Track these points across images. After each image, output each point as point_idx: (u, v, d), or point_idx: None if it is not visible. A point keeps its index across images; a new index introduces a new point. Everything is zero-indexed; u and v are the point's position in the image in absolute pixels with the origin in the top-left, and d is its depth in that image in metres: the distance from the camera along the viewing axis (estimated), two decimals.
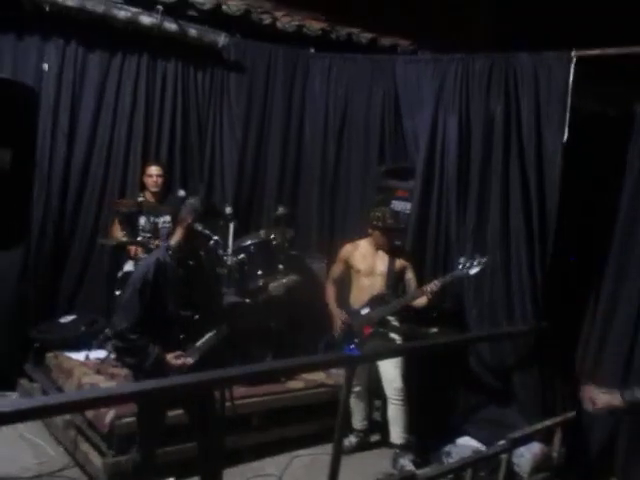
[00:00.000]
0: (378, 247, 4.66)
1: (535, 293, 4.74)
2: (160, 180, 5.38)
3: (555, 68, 4.68)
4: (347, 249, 4.82)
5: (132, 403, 3.69)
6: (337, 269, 4.87)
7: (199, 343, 3.45)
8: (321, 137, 6.28)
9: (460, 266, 4.40)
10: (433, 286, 4.36)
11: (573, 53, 4.57)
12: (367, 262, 4.69)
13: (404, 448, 4.59)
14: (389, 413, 4.63)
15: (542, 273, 4.73)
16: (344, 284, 4.87)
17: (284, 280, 3.81)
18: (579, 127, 4.61)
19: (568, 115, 4.54)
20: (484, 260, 4.35)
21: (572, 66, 4.55)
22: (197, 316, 3.45)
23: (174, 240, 3.47)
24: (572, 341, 4.74)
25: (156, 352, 3.28)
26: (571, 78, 4.56)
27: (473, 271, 4.36)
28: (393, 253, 4.67)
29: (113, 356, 4.59)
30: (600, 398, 3.11)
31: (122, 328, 3.31)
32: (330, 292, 4.86)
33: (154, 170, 5.39)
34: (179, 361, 3.35)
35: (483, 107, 5.02)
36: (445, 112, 5.23)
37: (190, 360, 3.38)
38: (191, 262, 3.46)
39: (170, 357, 3.34)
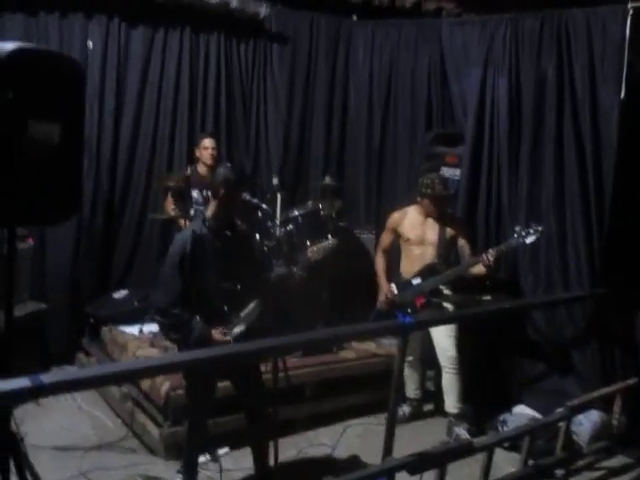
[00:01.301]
0: (428, 215, 4.54)
1: (592, 259, 4.60)
2: (215, 152, 5.36)
3: (610, 23, 4.48)
4: (395, 217, 4.72)
5: None
6: (386, 238, 4.79)
7: (243, 314, 3.42)
8: (366, 106, 6.20)
9: (515, 235, 4.26)
10: (489, 255, 4.23)
11: (630, 5, 4.36)
12: (417, 231, 4.59)
13: (459, 417, 4.54)
14: (443, 382, 4.57)
15: (599, 238, 4.59)
16: (395, 254, 4.79)
17: (322, 244, 3.74)
18: (635, 88, 4.41)
19: (625, 72, 4.34)
20: (540, 229, 4.20)
21: (629, 19, 4.34)
22: (239, 287, 3.42)
23: (210, 211, 3.44)
24: (632, 307, 4.58)
25: (200, 326, 3.27)
26: (628, 32, 4.35)
27: (529, 240, 4.22)
28: (444, 221, 4.53)
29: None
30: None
31: (164, 304, 3.31)
32: (379, 262, 4.79)
33: (209, 142, 5.35)
34: (223, 337, 3.32)
35: (534, 68, 4.85)
36: (494, 75, 5.09)
37: (230, 339, 3.34)
38: (228, 233, 3.42)
39: (215, 332, 3.32)
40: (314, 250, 3.74)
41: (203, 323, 3.28)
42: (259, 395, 3.55)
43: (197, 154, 5.40)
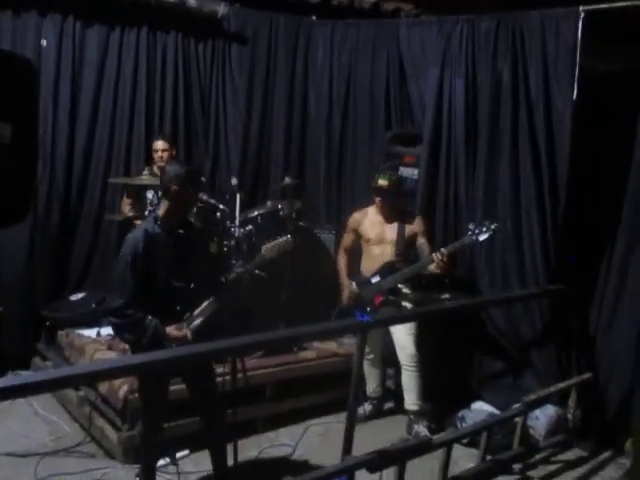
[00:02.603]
0: (381, 211, 4.59)
1: (547, 257, 4.69)
2: (166, 154, 5.29)
3: (563, 25, 4.58)
4: (355, 218, 4.76)
5: None
6: (347, 238, 4.82)
7: (196, 312, 3.39)
8: (326, 105, 6.21)
9: (469, 232, 4.30)
10: (440, 254, 4.27)
11: (581, 8, 4.46)
12: (376, 230, 4.62)
13: (418, 415, 4.58)
14: (403, 380, 4.60)
15: (554, 237, 4.68)
16: (356, 253, 4.81)
17: (276, 241, 3.74)
18: (589, 88, 4.51)
19: (577, 73, 4.44)
20: (493, 226, 4.25)
21: (580, 22, 4.44)
22: (192, 286, 3.38)
23: (162, 210, 3.38)
24: (586, 304, 4.69)
25: (154, 325, 3.23)
26: (579, 35, 4.45)
27: (482, 237, 4.26)
28: (403, 220, 4.57)
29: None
30: None
31: (118, 304, 3.24)
32: (341, 262, 4.82)
33: (160, 145, 5.28)
34: (179, 333, 3.30)
35: (490, 68, 4.92)
36: (451, 75, 5.15)
37: (189, 332, 3.32)
38: (181, 231, 3.38)
39: (170, 329, 3.28)
40: (268, 247, 3.72)
41: (157, 322, 3.24)
42: (212, 397, 3.51)
43: (153, 156, 5.33)
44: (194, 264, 3.40)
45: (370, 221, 4.66)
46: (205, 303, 3.41)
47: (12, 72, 2.33)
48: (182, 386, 3.69)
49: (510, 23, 4.83)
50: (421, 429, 4.52)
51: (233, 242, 4.80)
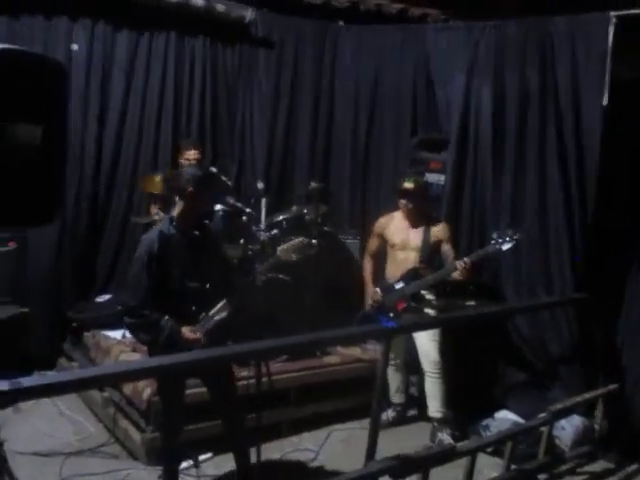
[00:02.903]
0: (407, 218, 4.57)
1: (575, 265, 4.63)
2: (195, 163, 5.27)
3: (593, 31, 4.52)
4: (381, 222, 4.75)
5: None
6: (373, 243, 4.81)
7: (211, 312, 3.40)
8: (352, 110, 6.20)
9: (493, 241, 4.26)
10: (463, 262, 4.24)
11: (612, 13, 4.40)
12: (401, 235, 4.60)
13: (442, 422, 4.54)
14: (426, 387, 4.58)
15: (582, 244, 4.62)
16: (382, 258, 4.79)
17: (290, 243, 3.73)
18: (619, 96, 4.44)
19: (608, 79, 4.38)
20: (516, 236, 4.20)
21: (611, 27, 4.38)
22: (207, 286, 3.40)
23: (177, 211, 3.41)
24: (614, 313, 4.61)
25: (170, 326, 3.25)
26: (610, 40, 4.39)
27: (506, 247, 4.22)
28: (428, 226, 4.55)
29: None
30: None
31: (133, 305, 3.28)
32: (366, 267, 4.81)
33: (192, 155, 5.21)
34: (193, 335, 3.31)
35: (518, 75, 4.88)
36: (478, 81, 5.11)
37: (202, 335, 3.32)
38: (196, 232, 3.41)
39: (185, 330, 3.30)
40: (283, 249, 3.72)
41: (173, 322, 3.26)
42: (232, 400, 3.52)
43: (180, 160, 5.28)
44: (208, 265, 3.42)
45: (395, 226, 4.64)
46: (220, 304, 3.42)
47: (44, 75, 2.38)
48: (203, 389, 3.71)
49: (539, 29, 4.79)
50: (445, 437, 4.48)
51: (258, 246, 4.81)
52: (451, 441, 4.37)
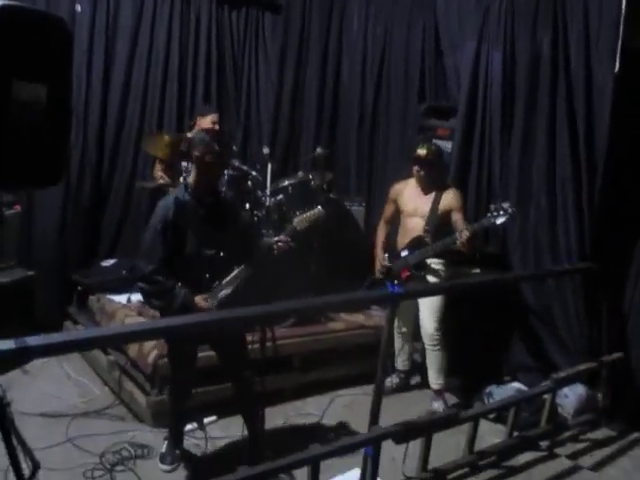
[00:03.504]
0: (420, 184, 4.52)
1: (582, 234, 4.60)
2: (218, 127, 5.18)
3: None
4: (396, 189, 4.69)
5: None
6: (388, 209, 4.77)
7: (225, 281, 3.38)
8: (359, 76, 6.15)
9: (489, 214, 4.18)
10: (462, 234, 4.18)
11: None
12: (413, 202, 4.55)
13: (438, 393, 4.57)
14: (427, 357, 4.59)
15: (589, 214, 4.58)
16: (396, 225, 4.77)
17: (308, 213, 3.70)
18: (630, 63, 4.37)
19: (620, 45, 4.31)
20: (511, 210, 4.11)
21: None
22: (222, 254, 3.36)
23: (191, 178, 3.38)
24: (620, 283, 4.60)
25: (183, 293, 3.24)
26: (624, 6, 4.30)
27: (500, 221, 4.12)
28: (439, 194, 4.48)
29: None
30: None
31: (147, 271, 3.25)
32: (379, 233, 4.79)
33: (216, 117, 5.10)
34: (206, 303, 3.30)
35: (529, 41, 4.79)
36: (488, 47, 5.02)
37: (215, 304, 3.32)
38: (211, 199, 3.37)
39: (198, 299, 3.29)
40: (299, 219, 3.68)
41: (186, 290, 3.25)
42: (242, 364, 3.50)
43: (199, 123, 5.11)
44: (224, 233, 3.38)
45: (409, 193, 4.59)
46: (234, 272, 3.40)
47: (46, 32, 2.34)
48: (210, 353, 3.72)
49: None
50: (438, 406, 4.51)
51: (263, 211, 4.79)
52: (442, 411, 4.39)
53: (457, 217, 4.43)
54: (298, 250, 4.81)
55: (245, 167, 3.21)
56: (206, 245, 3.32)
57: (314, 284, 4.93)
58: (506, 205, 4.12)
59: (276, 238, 3.54)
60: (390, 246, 4.72)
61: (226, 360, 3.57)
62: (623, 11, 4.34)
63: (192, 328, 2.45)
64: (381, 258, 4.67)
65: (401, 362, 4.89)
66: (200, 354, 3.72)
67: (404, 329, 4.72)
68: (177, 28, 5.69)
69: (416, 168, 4.48)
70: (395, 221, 4.76)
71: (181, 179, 4.82)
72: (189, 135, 5.13)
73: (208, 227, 3.34)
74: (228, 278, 3.39)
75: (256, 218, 4.74)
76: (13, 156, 2.22)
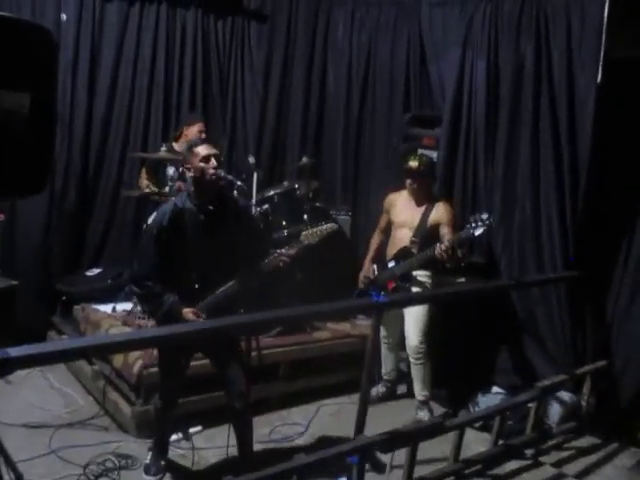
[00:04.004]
0: (412, 196, 4.52)
1: (566, 242, 4.63)
2: (205, 136, 5.17)
3: (588, 6, 4.46)
4: (390, 199, 4.69)
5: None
6: (382, 220, 4.77)
7: (218, 292, 3.34)
8: (344, 85, 6.17)
9: (467, 226, 4.14)
10: (442, 246, 4.17)
11: None
12: (403, 213, 4.56)
13: (423, 404, 4.57)
14: (411, 369, 4.59)
15: (573, 222, 4.61)
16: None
17: (322, 228, 3.56)
18: (614, 75, 4.41)
19: (602, 55, 4.35)
20: (488, 222, 4.07)
21: (607, 4, 4.34)
22: (218, 265, 3.32)
23: (192, 185, 3.34)
24: (603, 291, 4.63)
25: (170, 302, 3.22)
26: (606, 16, 4.35)
27: (478, 232, 4.08)
28: (430, 206, 4.48)
29: (139, 308, 4.60)
30: None
31: (138, 274, 3.27)
32: (371, 242, 4.81)
33: (203, 127, 5.19)
34: (194, 316, 3.26)
35: (513, 50, 4.83)
36: (473, 56, 5.06)
37: (203, 317, 3.28)
38: (211, 208, 3.32)
39: (186, 311, 3.26)
40: (308, 234, 3.52)
41: (175, 298, 3.23)
42: (238, 372, 3.42)
43: (185, 132, 5.19)
44: (225, 242, 3.32)
45: (401, 204, 4.59)
46: (228, 284, 3.34)
47: (31, 41, 2.34)
48: (196, 363, 3.70)
49: (535, 3, 4.73)
50: (422, 415, 4.51)
51: None
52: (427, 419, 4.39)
53: (445, 231, 4.40)
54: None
55: (230, 177, 3.18)
56: (201, 254, 3.29)
57: (299, 294, 4.92)
58: (485, 216, 4.09)
59: (278, 251, 3.48)
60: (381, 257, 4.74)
61: (220, 369, 3.48)
62: (605, 21, 4.39)
63: (178, 338, 2.44)
64: (367, 269, 4.67)
65: (387, 371, 4.89)
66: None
67: (390, 339, 4.73)
68: (163, 36, 5.68)
69: (409, 181, 4.47)
70: (388, 231, 4.77)
71: (167, 188, 4.82)
72: (175, 145, 5.14)
73: (206, 236, 3.29)
74: (220, 290, 3.34)
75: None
76: None
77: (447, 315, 4.67)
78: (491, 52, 4.95)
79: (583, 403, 4.49)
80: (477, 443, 4.16)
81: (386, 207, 4.72)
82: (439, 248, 4.17)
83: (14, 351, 1.86)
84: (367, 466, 3.26)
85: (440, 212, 4.47)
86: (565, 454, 4.19)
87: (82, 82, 5.37)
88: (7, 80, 2.21)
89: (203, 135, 5.09)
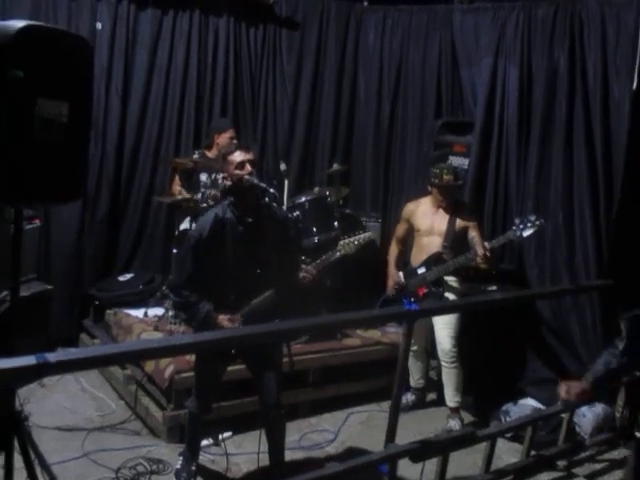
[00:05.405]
0: (438, 205, 4.51)
1: (599, 251, 4.57)
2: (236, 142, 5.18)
3: (624, 13, 4.43)
4: (409, 208, 4.69)
5: (190, 358, 3.77)
6: (401, 228, 4.75)
7: (255, 301, 3.35)
8: (375, 92, 6.17)
9: (514, 227, 4.15)
10: (483, 248, 4.16)
11: None
12: (427, 220, 4.54)
13: (454, 411, 4.53)
14: (442, 375, 4.57)
15: (607, 230, 4.55)
16: (410, 243, 4.75)
17: (359, 237, 3.51)
18: None
19: (638, 61, 4.29)
20: (538, 222, 4.09)
21: None
22: (256, 274, 3.33)
23: (233, 195, 3.35)
24: (638, 298, 4.55)
25: (206, 310, 3.25)
26: None
27: (527, 233, 4.09)
28: (455, 211, 4.48)
29: (171, 313, 4.64)
30: (573, 388, 3.30)
31: (176, 283, 3.33)
32: (392, 251, 4.77)
33: (233, 132, 5.22)
34: (230, 324, 3.28)
35: (546, 56, 4.81)
36: (505, 62, 5.05)
37: (239, 325, 3.29)
38: (250, 219, 3.31)
39: (222, 318, 3.28)
40: (346, 243, 3.51)
41: (211, 308, 3.26)
42: (274, 381, 3.42)
43: (217, 140, 5.22)
44: (264, 251, 3.32)
45: (423, 212, 4.58)
46: (265, 294, 3.35)
47: (69, 52, 2.39)
48: (228, 368, 3.71)
49: (569, 10, 4.70)
50: (454, 424, 4.47)
51: None
52: (458, 429, 4.35)
53: (474, 233, 4.43)
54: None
55: (264, 184, 3.18)
56: (239, 265, 3.30)
57: (329, 300, 4.92)
58: (533, 217, 4.10)
59: (314, 263, 3.48)
60: (403, 264, 4.71)
61: (256, 376, 3.49)
62: None
63: (213, 345, 2.46)
64: (393, 276, 4.65)
65: (415, 380, 4.86)
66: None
67: (416, 347, 4.69)
68: (195, 44, 5.73)
69: (441, 198, 4.44)
70: (408, 240, 4.76)
71: (199, 194, 4.86)
72: (207, 152, 5.18)
73: (245, 247, 3.29)
74: (257, 300, 3.36)
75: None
76: (36, 172, 2.26)
77: (477, 322, 4.62)
78: (524, 58, 4.93)
79: (617, 414, 4.42)
80: (508, 453, 4.12)
81: (405, 216, 4.70)
82: (480, 250, 4.14)
83: (52, 356, 1.88)
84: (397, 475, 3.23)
85: (466, 215, 4.50)
86: (598, 466, 4.13)
87: (116, 89, 5.44)
88: (47, 89, 2.27)
89: (235, 142, 5.13)
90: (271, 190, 3.34)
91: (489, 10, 5.28)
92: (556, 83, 4.75)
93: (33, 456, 2.49)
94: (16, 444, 2.38)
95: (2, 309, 3.48)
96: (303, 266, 3.52)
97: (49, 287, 4.69)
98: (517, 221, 4.17)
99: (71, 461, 3.65)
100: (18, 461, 2.38)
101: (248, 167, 3.26)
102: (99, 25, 5.31)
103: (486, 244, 4.18)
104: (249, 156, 3.31)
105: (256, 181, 3.24)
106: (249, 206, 3.32)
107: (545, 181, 4.83)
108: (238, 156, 3.28)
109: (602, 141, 4.53)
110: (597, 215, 4.57)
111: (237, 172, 3.24)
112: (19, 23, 2.17)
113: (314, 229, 4.95)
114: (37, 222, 4.71)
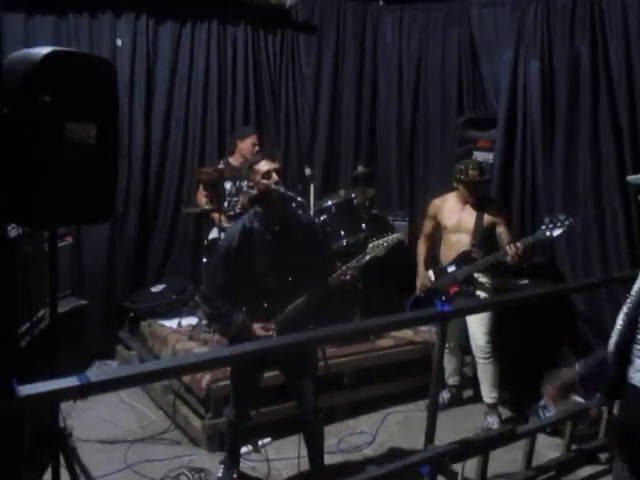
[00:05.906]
0: (465, 201, 4.49)
1: (632, 240, 4.51)
2: (259, 149, 5.25)
3: None
4: (435, 205, 4.67)
5: (226, 367, 3.80)
6: (427, 226, 4.74)
7: (288, 309, 3.38)
8: (396, 91, 6.17)
9: (543, 227, 4.10)
10: (514, 247, 4.12)
11: None
12: (454, 217, 4.52)
13: (491, 407, 4.51)
14: (478, 371, 4.55)
15: (638, 220, 4.49)
16: (437, 240, 4.74)
17: (388, 239, 3.52)
18: None
19: None
20: (568, 222, 4.04)
21: None
22: (287, 283, 3.34)
23: (260, 205, 3.37)
24: None
25: (240, 319, 3.28)
26: None
27: (557, 232, 4.05)
28: (482, 207, 4.44)
29: (204, 322, 4.70)
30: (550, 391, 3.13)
31: (208, 295, 3.36)
32: (420, 249, 4.76)
33: (255, 139, 5.28)
34: (264, 332, 3.31)
35: (567, 47, 4.75)
36: (526, 55, 5.00)
37: (274, 332, 3.32)
38: (277, 228, 3.33)
39: (256, 327, 3.31)
40: (375, 246, 3.51)
41: (244, 317, 3.29)
42: (311, 386, 3.46)
43: (240, 146, 5.29)
44: (294, 260, 3.33)
45: (449, 208, 4.56)
46: (297, 302, 3.37)
47: (94, 75, 2.43)
48: (265, 374, 3.75)
49: None
50: (492, 422, 4.45)
51: None
52: (496, 426, 4.33)
53: (502, 229, 4.40)
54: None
55: (291, 193, 3.19)
56: (269, 274, 3.32)
57: (360, 301, 4.93)
58: (562, 217, 4.05)
59: (344, 267, 3.49)
60: (432, 262, 4.70)
61: (293, 383, 3.54)
62: None
63: (251, 356, 2.48)
64: (423, 276, 4.63)
65: (451, 377, 4.85)
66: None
67: (450, 343, 4.67)
68: (215, 53, 5.78)
69: (468, 194, 4.42)
70: (435, 237, 4.74)
71: (225, 203, 4.90)
72: (231, 159, 5.23)
73: (274, 255, 3.31)
74: (291, 306, 3.38)
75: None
76: (67, 193, 2.30)
77: (510, 316, 4.59)
78: (545, 49, 4.88)
79: None
80: (548, 448, 4.09)
81: (431, 213, 4.68)
82: (512, 249, 4.11)
83: (94, 376, 1.92)
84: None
85: (494, 211, 4.46)
86: None
87: (139, 103, 5.50)
88: (75, 112, 2.32)
89: (257, 148, 5.18)
90: (299, 199, 3.35)
91: (507, 3, 5.24)
92: (579, 73, 4.70)
93: (78, 470, 2.55)
94: (61, 459, 2.43)
95: (42, 326, 3.54)
96: (343, 267, 3.51)
97: (84, 302, 4.77)
98: (546, 220, 4.12)
99: (115, 473, 3.71)
100: (64, 476, 2.44)
101: (275, 176, 3.28)
102: (119, 42, 5.37)
103: (518, 244, 4.14)
104: (275, 165, 3.33)
105: (283, 190, 3.25)
106: (276, 215, 3.34)
107: (573, 172, 4.78)
108: (264, 165, 3.30)
109: (629, 131, 4.46)
110: (627, 203, 4.51)
111: (264, 181, 3.27)
112: (44, 50, 2.22)
113: (342, 232, 4.96)
114: (69, 239, 4.79)
